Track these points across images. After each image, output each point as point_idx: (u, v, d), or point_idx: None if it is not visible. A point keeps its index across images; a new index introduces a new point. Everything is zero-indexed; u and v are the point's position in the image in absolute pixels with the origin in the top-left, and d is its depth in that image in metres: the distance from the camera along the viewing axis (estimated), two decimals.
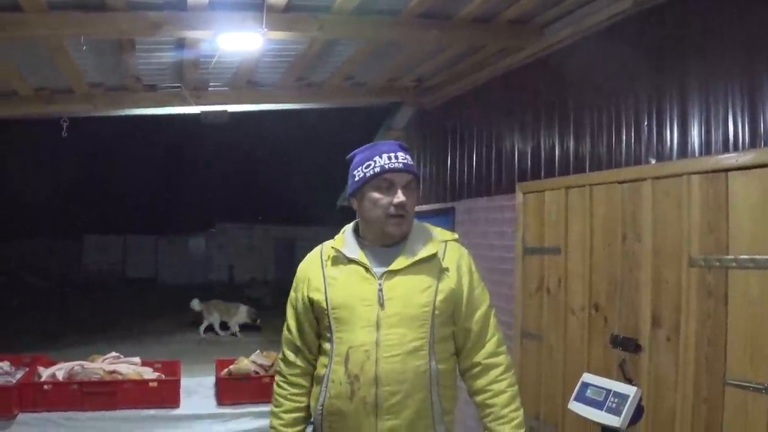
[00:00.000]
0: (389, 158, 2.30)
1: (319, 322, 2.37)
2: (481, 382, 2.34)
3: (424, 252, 2.31)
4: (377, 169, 2.30)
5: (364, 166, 2.33)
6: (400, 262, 2.29)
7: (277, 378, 2.50)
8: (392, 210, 2.28)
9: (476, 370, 2.35)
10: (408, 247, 2.33)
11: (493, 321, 2.39)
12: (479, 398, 2.34)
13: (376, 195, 2.31)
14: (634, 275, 3.78)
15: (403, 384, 2.21)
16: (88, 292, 23.81)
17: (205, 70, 5.47)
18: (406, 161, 2.32)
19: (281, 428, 2.42)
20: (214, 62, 5.12)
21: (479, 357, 2.35)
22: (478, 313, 2.36)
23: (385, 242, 2.34)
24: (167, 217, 33.70)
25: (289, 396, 2.43)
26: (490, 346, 2.36)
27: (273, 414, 2.47)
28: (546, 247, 4.67)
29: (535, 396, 4.70)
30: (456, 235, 2.45)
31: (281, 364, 2.49)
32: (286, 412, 2.42)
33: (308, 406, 2.43)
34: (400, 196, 2.27)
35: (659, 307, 3.59)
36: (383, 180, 2.30)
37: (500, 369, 2.34)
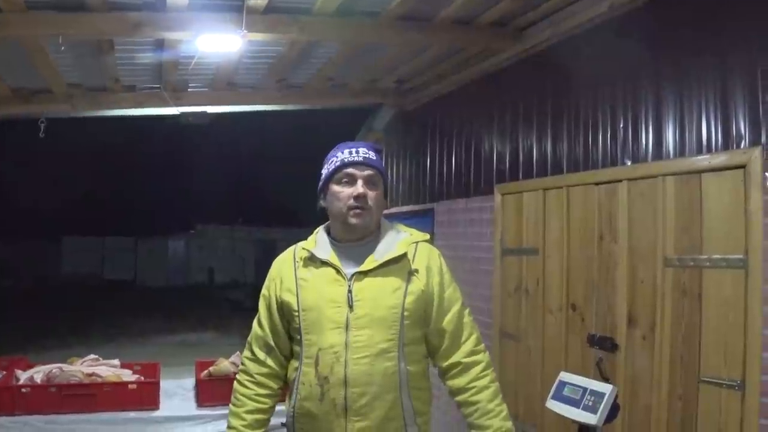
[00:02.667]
0: (350, 153, 2.33)
1: (289, 323, 2.36)
2: (462, 380, 2.34)
3: (393, 253, 2.30)
4: (338, 163, 2.32)
5: (328, 163, 2.37)
6: (369, 263, 2.29)
7: (241, 377, 2.42)
8: (352, 202, 2.28)
9: (457, 369, 2.35)
10: (378, 247, 2.34)
11: (468, 319, 2.40)
12: (462, 397, 2.34)
13: (336, 188, 2.32)
14: (611, 275, 3.83)
15: (372, 386, 2.20)
16: (67, 294, 23.58)
17: (185, 71, 5.46)
18: (367, 156, 2.33)
19: (243, 429, 2.34)
20: (193, 63, 5.11)
21: (458, 356, 2.35)
22: (451, 313, 2.36)
23: (351, 237, 2.34)
24: (147, 219, 33.43)
25: (254, 396, 2.37)
26: (468, 345, 2.36)
27: (233, 414, 2.37)
28: (524, 248, 4.71)
29: (514, 395, 4.74)
30: (427, 236, 2.45)
31: (248, 363, 2.42)
32: (248, 412, 2.35)
33: (271, 409, 2.40)
34: (359, 188, 2.28)
35: (635, 306, 3.64)
36: (344, 174, 2.31)
37: (481, 366, 2.35)
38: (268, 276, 2.46)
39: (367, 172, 2.32)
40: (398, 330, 2.25)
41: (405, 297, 2.27)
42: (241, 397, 2.38)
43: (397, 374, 2.24)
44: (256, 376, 2.39)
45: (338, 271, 2.29)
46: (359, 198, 2.28)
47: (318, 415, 2.23)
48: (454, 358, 2.36)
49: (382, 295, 2.26)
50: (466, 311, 2.41)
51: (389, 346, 2.23)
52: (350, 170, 2.31)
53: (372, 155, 2.36)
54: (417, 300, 2.29)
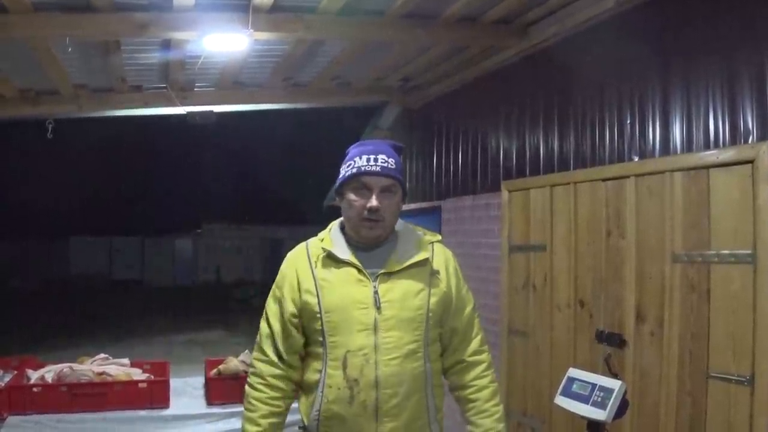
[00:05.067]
0: (368, 160, 2.25)
1: (306, 325, 2.30)
2: (465, 378, 2.38)
3: (417, 256, 2.29)
4: (354, 170, 2.26)
5: (346, 165, 2.30)
6: (393, 265, 2.26)
7: (253, 379, 2.34)
8: (365, 213, 2.24)
9: (461, 366, 2.39)
10: (399, 249, 2.31)
11: (476, 320, 2.44)
12: (463, 393, 2.38)
13: (352, 196, 2.27)
14: (619, 271, 3.83)
15: (402, 386, 2.21)
16: (75, 294, 23.69)
17: (191, 70, 5.47)
18: (385, 165, 2.25)
19: None
20: (200, 63, 5.12)
21: (464, 354, 2.39)
22: (465, 313, 2.39)
23: (365, 243, 2.31)
24: (153, 219, 33.51)
25: (267, 400, 2.30)
26: (474, 344, 2.40)
27: (248, 420, 2.30)
28: (531, 245, 4.71)
29: (522, 391, 4.75)
30: (439, 237, 2.44)
31: (259, 365, 2.34)
32: (263, 417, 2.29)
33: (286, 411, 2.35)
34: (373, 201, 2.23)
35: (643, 302, 3.64)
36: (359, 182, 2.25)
37: (484, 366, 2.39)
38: (279, 274, 2.38)
39: (385, 183, 2.26)
40: (424, 330, 2.26)
41: (429, 298, 2.28)
42: (254, 402, 2.31)
43: (423, 373, 2.26)
44: (268, 378, 2.31)
45: (360, 272, 2.26)
46: (372, 211, 2.23)
47: (347, 417, 2.20)
48: (459, 356, 2.39)
49: (408, 297, 2.25)
50: (476, 312, 2.45)
51: (417, 346, 2.25)
52: (366, 179, 2.25)
53: (391, 162, 2.27)
54: (440, 301, 2.30)
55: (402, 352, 2.22)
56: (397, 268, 2.27)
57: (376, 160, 2.25)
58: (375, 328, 2.21)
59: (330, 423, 2.23)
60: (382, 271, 2.26)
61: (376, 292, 2.23)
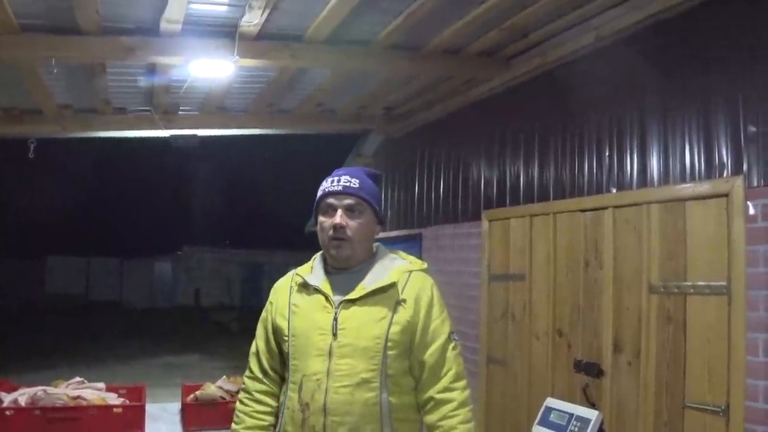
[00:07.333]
0: (331, 182, 2.33)
1: (280, 347, 2.37)
2: (432, 418, 2.24)
3: (381, 282, 2.28)
4: (320, 193, 2.34)
5: (318, 191, 2.38)
6: (357, 291, 2.27)
7: (242, 395, 2.45)
8: (331, 233, 2.27)
9: (430, 405, 2.25)
10: (368, 275, 2.31)
11: (451, 354, 2.28)
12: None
13: (321, 218, 2.33)
14: (597, 301, 3.87)
15: (351, 416, 2.17)
16: (52, 315, 23.34)
17: (176, 94, 5.49)
18: (347, 184, 2.30)
19: None
20: (185, 87, 5.15)
21: (432, 391, 2.25)
22: (434, 346, 2.26)
23: (339, 266, 2.34)
24: (132, 240, 33.24)
25: (252, 413, 2.37)
26: (444, 381, 2.25)
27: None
28: (511, 274, 4.74)
29: (501, 421, 4.75)
30: (425, 265, 2.41)
31: (247, 381, 2.45)
32: (247, 428, 2.36)
33: (271, 426, 2.39)
34: (336, 218, 2.27)
35: (621, 332, 3.67)
36: (326, 204, 2.31)
37: (452, 405, 2.22)
38: (268, 298, 2.47)
39: (347, 201, 2.29)
40: (380, 360, 2.21)
41: (390, 327, 2.23)
42: (240, 415, 2.40)
43: (378, 405, 2.20)
44: (254, 393, 2.40)
45: (327, 299, 2.29)
46: (337, 229, 2.27)
47: None
48: (429, 393, 2.26)
49: (366, 325, 2.23)
50: (451, 345, 2.29)
51: (371, 376, 2.20)
52: (330, 200, 2.30)
53: (354, 183, 2.31)
54: (403, 330, 2.23)
55: (354, 380, 2.19)
56: (359, 295, 2.26)
57: (339, 180, 2.32)
58: (330, 354, 2.22)
59: None
60: (345, 297, 2.27)
61: (335, 319, 2.24)
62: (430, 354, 2.26)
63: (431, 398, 2.25)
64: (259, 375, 2.41)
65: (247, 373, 2.47)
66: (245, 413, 2.39)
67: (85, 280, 31.73)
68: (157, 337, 18.12)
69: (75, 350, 14.67)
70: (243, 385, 2.47)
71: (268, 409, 2.39)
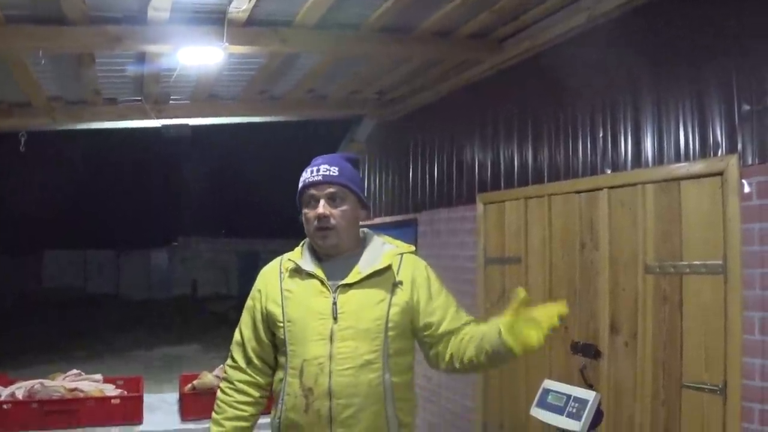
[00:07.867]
0: (311, 172, 2.34)
1: (274, 334, 2.37)
2: (460, 335, 2.27)
3: (377, 265, 2.31)
4: (301, 185, 2.36)
5: (299, 183, 2.38)
6: (353, 276, 2.30)
7: (223, 384, 2.44)
8: (315, 223, 2.30)
9: (470, 326, 2.30)
10: (363, 259, 2.34)
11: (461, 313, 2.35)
12: (475, 339, 2.25)
13: (305, 210, 2.35)
14: (593, 283, 3.87)
15: (357, 397, 2.21)
16: (48, 309, 23.31)
17: (166, 83, 5.45)
18: (327, 173, 2.31)
19: None
20: (175, 76, 5.10)
21: (462, 324, 2.30)
22: (446, 309, 2.31)
23: (328, 253, 2.35)
24: (128, 232, 33.16)
25: (233, 403, 2.38)
26: (463, 316, 2.33)
27: (213, 421, 2.39)
28: (506, 257, 4.74)
29: (499, 404, 4.76)
30: (413, 248, 2.45)
31: (229, 371, 2.44)
32: (228, 419, 2.37)
33: (252, 417, 2.41)
34: (319, 209, 2.29)
35: (617, 313, 3.68)
36: (307, 195, 2.33)
37: (466, 329, 2.29)
38: (254, 285, 2.46)
39: (328, 190, 2.32)
40: (382, 341, 2.25)
41: (389, 308, 2.27)
42: (221, 404, 2.40)
43: (381, 385, 2.24)
44: (236, 383, 2.40)
45: (323, 283, 2.30)
46: (320, 219, 2.29)
47: (303, 426, 2.24)
48: (458, 324, 2.30)
49: (366, 307, 2.27)
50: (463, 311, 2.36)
51: (373, 357, 2.24)
52: (311, 191, 2.32)
53: (334, 170, 2.33)
54: (402, 312, 2.29)
55: (357, 362, 2.22)
56: (357, 279, 2.29)
57: (318, 170, 2.33)
58: (331, 338, 2.24)
59: (288, 431, 2.28)
60: (342, 282, 2.29)
61: (334, 303, 2.26)
62: (436, 309, 2.31)
63: (467, 323, 2.31)
64: (243, 364, 2.41)
65: (229, 362, 2.46)
66: (226, 403, 2.39)
67: (82, 273, 31.69)
68: (154, 329, 18.14)
69: (72, 344, 14.68)
70: (224, 375, 2.46)
71: (250, 400, 2.40)
